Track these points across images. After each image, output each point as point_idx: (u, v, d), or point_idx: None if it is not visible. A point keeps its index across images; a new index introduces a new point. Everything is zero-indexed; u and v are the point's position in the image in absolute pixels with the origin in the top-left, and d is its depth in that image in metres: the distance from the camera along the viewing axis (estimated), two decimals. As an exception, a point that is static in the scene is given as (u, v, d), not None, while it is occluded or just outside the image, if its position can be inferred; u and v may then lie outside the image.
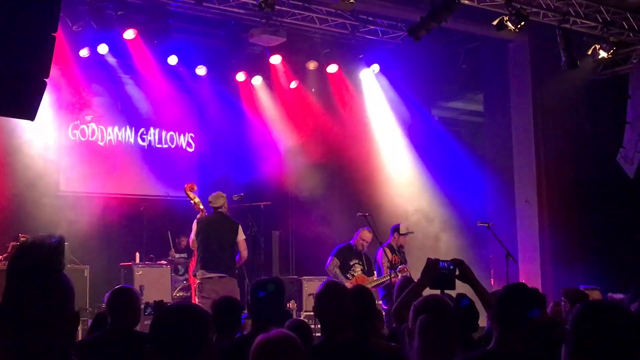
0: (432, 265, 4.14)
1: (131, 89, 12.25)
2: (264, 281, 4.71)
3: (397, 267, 10.09)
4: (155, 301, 6.70)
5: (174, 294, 11.14)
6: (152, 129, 12.93)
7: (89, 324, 6.40)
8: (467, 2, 9.97)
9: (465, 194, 12.55)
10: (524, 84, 11.97)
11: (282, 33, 11.36)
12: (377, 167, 13.31)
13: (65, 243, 2.08)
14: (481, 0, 10.16)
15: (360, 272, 10.18)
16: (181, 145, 13.29)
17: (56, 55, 10.30)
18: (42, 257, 1.96)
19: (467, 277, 4.13)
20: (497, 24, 10.08)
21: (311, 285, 11.71)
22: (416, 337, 3.05)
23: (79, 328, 8.65)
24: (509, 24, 9.89)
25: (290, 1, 11.15)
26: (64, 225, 10.63)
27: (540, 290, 10.57)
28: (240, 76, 12.96)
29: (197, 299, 8.92)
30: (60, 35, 10.43)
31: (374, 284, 9.95)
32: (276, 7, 9.99)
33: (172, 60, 11.96)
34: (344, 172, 13.25)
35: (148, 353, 2.52)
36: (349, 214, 11.89)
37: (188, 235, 12.17)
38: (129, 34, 11.25)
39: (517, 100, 12.10)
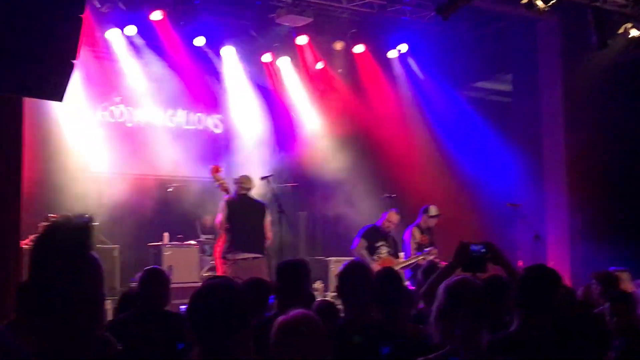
0: (463, 248, 4.13)
1: (159, 70, 12.27)
2: (289, 262, 4.73)
3: (425, 248, 10.07)
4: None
5: (202, 273, 11.21)
6: (179, 110, 12.98)
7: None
8: (496, -20, 9.85)
9: (493, 175, 12.46)
10: (553, 64, 11.82)
11: (308, 13, 11.31)
12: (404, 148, 13.24)
13: (94, 223, 2.07)
14: (510, -22, 10.03)
15: (386, 254, 10.16)
16: (209, 127, 13.33)
17: (84, 37, 10.40)
18: (70, 237, 1.94)
19: (499, 259, 4.12)
20: (526, 2, 9.93)
21: (338, 266, 11.67)
22: (446, 317, 3.05)
23: (110, 307, 8.77)
24: (538, 2, 9.73)
25: (317, -19, 11.10)
26: (93, 206, 10.73)
27: (570, 272, 10.57)
28: (267, 57, 12.94)
29: None
30: (88, 16, 10.51)
31: (401, 265, 9.93)
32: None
33: (199, 41, 11.98)
34: (371, 153, 13.20)
35: (188, 331, 2.52)
36: (375, 195, 11.87)
37: (213, 216, 12.29)
38: (156, 15, 11.28)
39: (546, 80, 11.96)
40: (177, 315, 5.48)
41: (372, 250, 10.16)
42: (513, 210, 9.86)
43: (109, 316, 6.91)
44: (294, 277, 4.43)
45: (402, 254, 10.42)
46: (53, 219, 2.01)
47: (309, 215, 13.65)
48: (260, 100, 13.25)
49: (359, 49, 13.08)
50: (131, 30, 11.46)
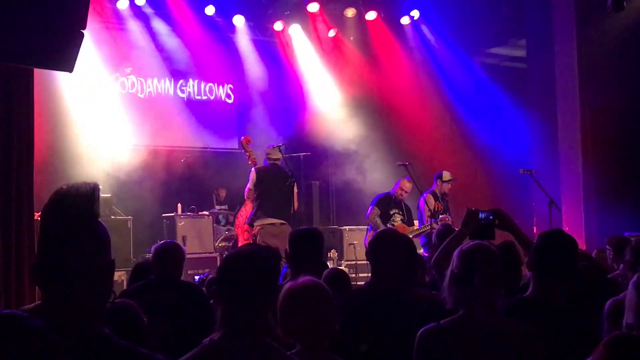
0: (472, 216, 4.09)
1: (169, 40, 12.22)
2: (302, 231, 4.71)
3: (439, 215, 10.04)
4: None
5: (216, 244, 11.26)
6: (191, 80, 12.93)
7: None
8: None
9: (508, 141, 12.37)
10: (568, 28, 11.64)
11: (319, -21, 11.19)
12: (417, 116, 13.16)
13: (102, 194, 2.05)
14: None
15: (400, 222, 10.15)
16: (220, 97, 13.29)
17: (94, 8, 10.35)
18: (76, 205, 1.92)
19: (508, 225, 4.08)
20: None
21: (351, 235, 11.74)
22: (460, 281, 3.03)
23: (124, 278, 8.81)
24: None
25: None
26: (106, 178, 10.76)
27: (584, 237, 10.51)
28: (278, 25, 12.85)
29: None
30: (97, -13, 10.47)
31: (415, 233, 9.91)
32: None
33: (209, 10, 11.91)
34: (384, 121, 13.13)
35: (215, 295, 2.53)
36: (388, 163, 11.83)
37: (227, 187, 12.31)
38: (166, -15, 11.21)
39: (561, 45, 11.78)
40: (192, 285, 5.50)
41: (386, 218, 10.15)
42: (529, 176, 9.79)
43: (123, 286, 6.95)
44: (307, 246, 4.42)
45: (416, 222, 10.41)
46: (58, 188, 1.98)
47: (322, 185, 13.63)
48: (271, 69, 13.17)
49: (371, 15, 12.95)
50: (141, 0, 11.39)
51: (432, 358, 3.02)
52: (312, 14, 12.72)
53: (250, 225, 9.33)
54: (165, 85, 12.60)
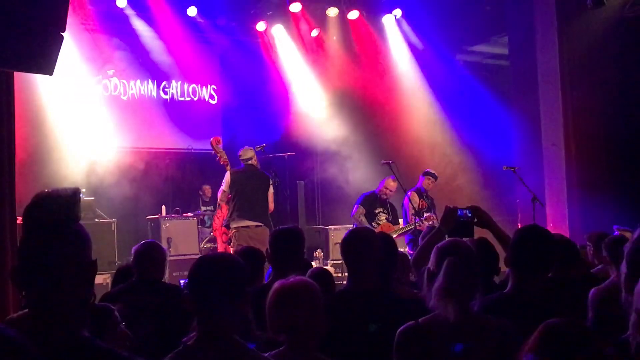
0: (450, 213, 4.11)
1: (151, 42, 12.18)
2: (282, 230, 4.71)
3: (423, 213, 10.07)
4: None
5: (202, 245, 11.24)
6: (174, 81, 12.91)
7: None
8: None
9: (490, 139, 12.41)
10: (549, 24, 11.68)
11: (301, -21, 11.19)
12: (401, 114, 13.19)
13: (86, 197, 2.07)
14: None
15: (385, 221, 10.19)
16: (204, 98, 13.27)
17: (75, 10, 10.31)
18: (57, 208, 1.95)
19: (485, 221, 4.10)
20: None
21: (337, 234, 11.74)
22: (439, 279, 3.04)
23: (109, 281, 8.77)
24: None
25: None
26: (89, 180, 10.72)
27: (568, 232, 10.56)
28: (261, 25, 12.83)
29: (232, 248, 9.02)
30: (77, -11, 10.42)
31: (399, 232, 9.95)
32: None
33: (192, 11, 11.89)
34: (368, 119, 13.15)
35: (185, 300, 2.56)
36: (373, 162, 11.85)
37: (212, 187, 12.28)
38: (147, -14, 11.17)
39: (542, 41, 11.83)
40: (174, 287, 5.49)
41: (371, 217, 10.18)
42: (513, 174, 9.85)
43: (108, 289, 6.91)
44: (288, 244, 4.42)
45: (401, 221, 10.44)
46: (39, 191, 2.01)
47: (307, 184, 13.64)
48: (255, 69, 13.16)
49: (353, 15, 12.96)
50: (122, 2, 11.35)
51: (411, 356, 3.02)
52: (295, 14, 12.72)
53: (227, 227, 9.31)
54: (148, 87, 12.57)
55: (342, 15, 12.94)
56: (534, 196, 9.49)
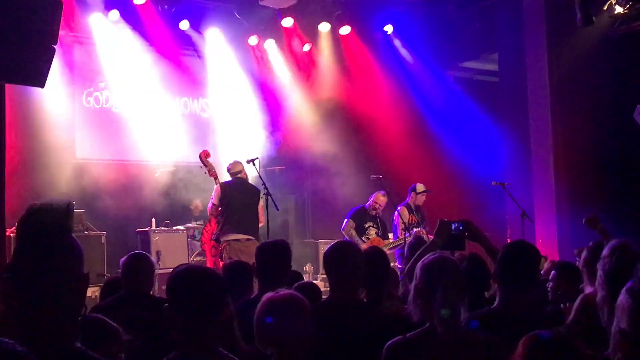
0: (444, 226, 4.14)
1: (143, 55, 12.19)
2: (269, 243, 4.72)
3: (413, 228, 10.10)
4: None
5: (191, 259, 11.21)
6: (165, 94, 12.89)
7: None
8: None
9: (480, 154, 12.46)
10: (539, 42, 11.78)
11: (292, -5, 11.24)
12: (392, 129, 13.23)
13: (76, 209, 2.08)
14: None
15: (374, 235, 10.21)
16: (195, 111, 13.27)
17: (67, 22, 10.33)
18: (50, 220, 1.96)
19: (476, 236, 4.14)
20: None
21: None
22: (424, 295, 3.05)
23: (97, 293, 8.73)
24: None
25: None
26: (80, 193, 10.70)
27: (557, 248, 10.60)
28: (253, 40, 12.87)
29: (222, 262, 9.00)
30: (70, 1, 10.43)
31: (389, 247, 9.97)
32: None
33: (184, 25, 11.92)
34: (359, 134, 13.18)
35: (166, 314, 2.56)
36: (363, 176, 11.87)
37: (203, 202, 12.27)
38: (139, -1, 11.20)
39: (532, 58, 11.92)
40: (163, 300, 5.47)
41: (361, 231, 10.20)
42: (502, 189, 9.89)
43: (97, 302, 6.88)
44: (274, 258, 4.42)
45: (391, 235, 10.46)
46: (32, 203, 2.02)
47: (298, 198, 13.64)
48: (246, 83, 13.19)
49: (344, 30, 13.02)
50: (114, 15, 11.37)
51: (399, 371, 3.03)
52: (287, 28, 12.77)
53: (217, 241, 9.27)
54: (139, 100, 12.55)
55: (334, 31, 13.01)
56: (523, 212, 9.53)
